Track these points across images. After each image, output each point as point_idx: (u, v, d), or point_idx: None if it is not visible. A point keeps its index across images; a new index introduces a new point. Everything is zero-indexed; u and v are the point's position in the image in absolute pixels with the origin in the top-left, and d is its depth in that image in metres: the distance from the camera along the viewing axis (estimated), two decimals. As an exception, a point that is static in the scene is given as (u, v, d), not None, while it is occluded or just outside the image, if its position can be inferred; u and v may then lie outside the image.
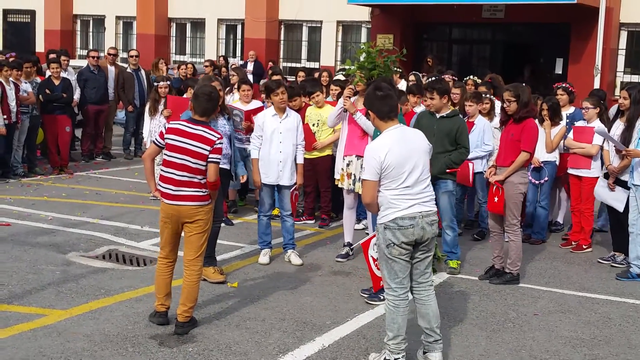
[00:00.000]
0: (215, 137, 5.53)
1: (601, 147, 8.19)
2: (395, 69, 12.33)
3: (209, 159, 5.49)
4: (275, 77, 11.25)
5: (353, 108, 7.38)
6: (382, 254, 5.06)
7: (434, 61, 17.41)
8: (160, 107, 10.44)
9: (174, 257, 5.80)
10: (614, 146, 7.71)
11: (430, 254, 5.17)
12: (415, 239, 4.98)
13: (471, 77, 10.68)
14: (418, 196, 5.01)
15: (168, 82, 10.80)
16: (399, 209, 4.96)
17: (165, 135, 5.60)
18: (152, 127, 10.40)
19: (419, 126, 7.43)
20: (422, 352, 5.26)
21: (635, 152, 7.35)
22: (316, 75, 12.00)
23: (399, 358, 5.09)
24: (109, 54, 14.25)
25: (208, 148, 5.48)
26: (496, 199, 7.02)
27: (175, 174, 5.55)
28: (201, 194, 5.57)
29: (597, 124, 8.28)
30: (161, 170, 5.68)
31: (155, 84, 10.98)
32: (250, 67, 19.43)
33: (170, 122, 5.77)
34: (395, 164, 4.93)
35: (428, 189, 5.09)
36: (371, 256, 6.30)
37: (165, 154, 5.61)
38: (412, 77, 11.85)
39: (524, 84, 7.92)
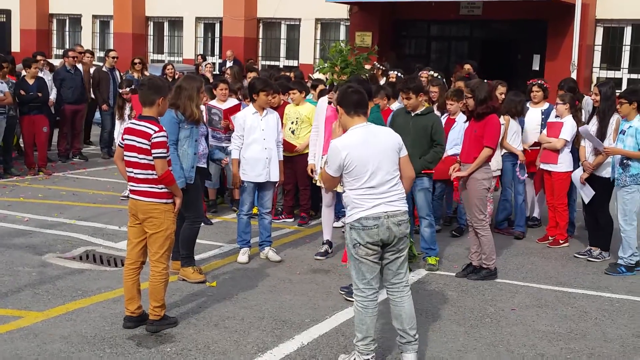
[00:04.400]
0: (152, 130, 5.45)
1: (568, 142, 8.32)
2: (379, 66, 12.37)
3: (153, 154, 5.45)
4: (252, 74, 11.27)
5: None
6: (350, 254, 5.02)
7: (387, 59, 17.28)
8: (127, 112, 10.37)
9: (138, 261, 5.70)
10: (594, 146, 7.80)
11: (402, 254, 5.05)
12: (381, 239, 4.89)
13: (429, 71, 10.68)
14: (383, 196, 4.92)
15: (131, 87, 10.64)
16: (363, 209, 4.89)
17: (123, 136, 5.61)
18: (121, 129, 10.33)
19: (394, 124, 7.46)
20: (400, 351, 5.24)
21: (613, 150, 7.43)
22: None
23: (369, 359, 5.06)
24: (80, 53, 14.20)
25: (147, 142, 5.44)
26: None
27: (132, 172, 5.57)
28: (156, 190, 5.53)
29: (568, 120, 8.37)
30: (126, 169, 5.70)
31: (119, 90, 10.90)
32: (229, 65, 19.37)
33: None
34: (356, 163, 4.88)
35: (395, 189, 4.98)
36: None
37: (124, 154, 5.62)
38: (392, 74, 11.84)
39: (485, 80, 8.00)
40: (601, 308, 6.55)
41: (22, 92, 11.72)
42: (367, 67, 8.89)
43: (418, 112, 7.33)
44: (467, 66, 12.52)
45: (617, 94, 7.81)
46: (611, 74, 17.86)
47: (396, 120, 7.48)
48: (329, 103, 7.57)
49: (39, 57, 13.08)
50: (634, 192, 7.39)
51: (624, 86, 17.43)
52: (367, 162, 4.89)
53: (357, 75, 7.15)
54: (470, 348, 5.58)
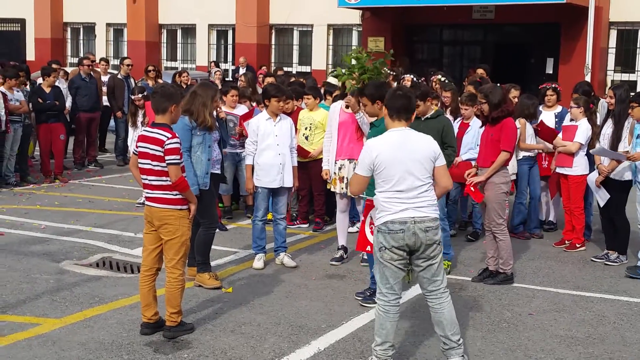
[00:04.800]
0: (165, 137, 5.47)
1: (583, 146, 8.29)
2: (389, 71, 12.36)
3: (166, 161, 5.48)
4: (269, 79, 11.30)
5: (356, 107, 7.34)
6: (375, 257, 5.04)
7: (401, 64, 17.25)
8: (139, 119, 10.41)
9: (154, 267, 5.72)
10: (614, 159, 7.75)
11: (434, 261, 4.99)
12: (407, 244, 4.88)
13: (439, 76, 10.67)
14: (412, 201, 4.90)
15: (143, 94, 10.69)
16: (390, 212, 4.90)
17: (137, 144, 5.64)
18: (134, 136, 10.38)
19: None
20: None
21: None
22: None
23: None
24: (92, 61, 14.30)
25: (161, 149, 5.47)
26: (472, 188, 7.09)
27: (147, 179, 5.60)
28: (170, 196, 5.55)
29: (583, 123, 8.34)
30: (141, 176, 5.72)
31: (132, 96, 10.93)
32: (242, 72, 19.44)
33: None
34: (386, 165, 4.89)
35: (425, 195, 4.95)
36: (370, 216, 5.91)
37: (138, 161, 5.65)
38: (408, 77, 11.81)
39: (498, 85, 7.98)
40: (619, 312, 6.50)
41: (40, 100, 11.82)
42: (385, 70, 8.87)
43: (428, 115, 7.31)
44: (480, 70, 12.48)
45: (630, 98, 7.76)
46: (625, 76, 17.76)
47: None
48: (347, 107, 7.56)
49: (54, 66, 13.18)
50: None
51: (639, 89, 17.34)
52: (397, 166, 4.89)
53: (376, 79, 7.13)
54: (488, 353, 5.56)
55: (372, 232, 5.57)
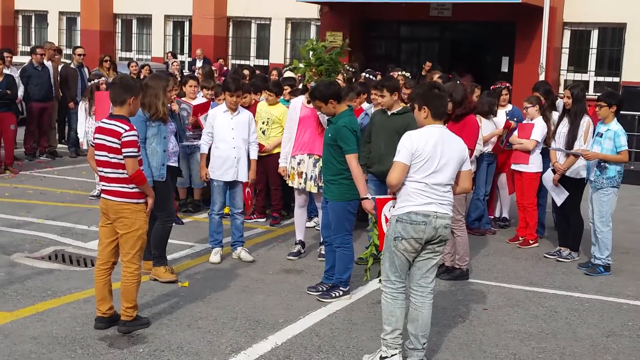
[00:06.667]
0: (122, 129, 5.40)
1: (539, 143, 8.43)
2: (349, 68, 12.38)
3: (123, 153, 5.40)
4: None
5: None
6: (389, 245, 5.04)
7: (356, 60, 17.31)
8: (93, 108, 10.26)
9: (110, 261, 5.63)
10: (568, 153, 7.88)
11: (435, 257, 5.06)
12: (426, 237, 4.93)
13: (401, 72, 10.73)
14: (437, 196, 4.95)
15: (105, 78, 10.52)
16: (415, 204, 4.92)
17: (94, 135, 5.55)
18: (87, 126, 10.20)
19: (373, 124, 7.48)
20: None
21: (593, 154, 7.50)
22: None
23: (396, 354, 5.04)
24: (54, 50, 13.99)
25: (117, 141, 5.39)
26: None
27: (103, 171, 5.52)
28: (127, 189, 5.47)
29: (538, 121, 8.50)
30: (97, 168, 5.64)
31: (95, 80, 10.75)
32: (199, 64, 19.27)
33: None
34: (426, 156, 4.90)
35: (449, 195, 5.03)
36: (384, 214, 5.77)
37: (94, 153, 5.56)
38: (364, 75, 11.85)
39: (458, 82, 8.06)
40: (571, 308, 6.62)
41: (-11, 89, 11.54)
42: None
43: (394, 111, 7.33)
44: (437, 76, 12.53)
45: (597, 97, 7.88)
46: (578, 76, 18.09)
47: (374, 120, 7.50)
48: (309, 102, 7.52)
49: (5, 54, 12.84)
50: (610, 194, 7.50)
51: (591, 89, 17.70)
52: (435, 158, 4.92)
53: (333, 70, 7.14)
54: (444, 348, 5.61)
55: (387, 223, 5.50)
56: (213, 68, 13.74)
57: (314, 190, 7.55)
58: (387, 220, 5.58)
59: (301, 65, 7.71)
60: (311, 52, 7.79)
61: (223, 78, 12.07)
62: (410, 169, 4.94)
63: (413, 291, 5.14)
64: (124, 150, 5.39)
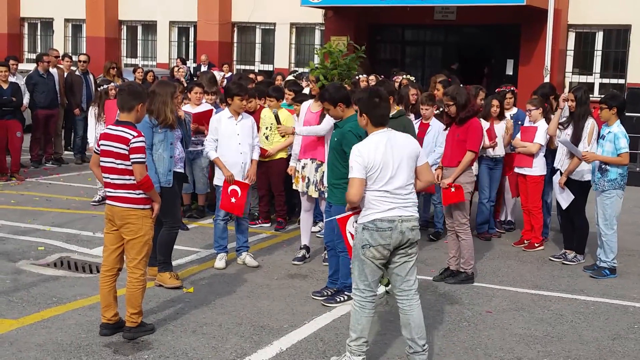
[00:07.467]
0: (131, 135, 5.42)
1: (542, 146, 8.41)
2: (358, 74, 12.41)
3: (131, 159, 5.42)
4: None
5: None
6: (357, 253, 5.05)
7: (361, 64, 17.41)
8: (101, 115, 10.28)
9: (115, 267, 5.64)
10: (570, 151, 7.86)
11: (411, 259, 5.08)
12: (393, 242, 4.94)
13: (405, 75, 10.75)
14: (399, 201, 4.97)
15: (114, 84, 10.57)
16: (379, 211, 4.94)
17: (99, 142, 5.56)
18: (97, 132, 10.21)
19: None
20: None
21: (592, 156, 7.50)
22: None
23: None
24: (56, 57, 14.04)
25: (126, 147, 5.41)
26: (453, 189, 7.09)
27: (109, 177, 5.52)
28: (133, 195, 5.48)
29: (542, 124, 8.48)
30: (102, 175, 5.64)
31: (104, 86, 10.78)
32: (203, 69, 19.30)
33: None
34: (378, 165, 4.91)
35: (411, 196, 5.04)
36: (349, 232, 5.79)
37: (100, 160, 5.57)
38: (371, 78, 11.87)
39: (461, 85, 8.05)
40: (577, 311, 6.61)
41: (-4, 96, 11.59)
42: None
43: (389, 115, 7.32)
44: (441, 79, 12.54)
45: (598, 100, 7.87)
46: (583, 78, 18.05)
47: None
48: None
49: (11, 62, 12.90)
50: (613, 196, 7.48)
51: (596, 91, 17.66)
52: (388, 165, 4.94)
53: (345, 75, 7.15)
54: (449, 352, 5.60)
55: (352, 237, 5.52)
56: (217, 73, 13.75)
57: (315, 195, 7.59)
58: (352, 236, 5.58)
59: (317, 66, 7.69)
60: (329, 55, 7.79)
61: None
62: (367, 181, 4.96)
63: (398, 297, 5.14)
64: (132, 156, 5.40)
